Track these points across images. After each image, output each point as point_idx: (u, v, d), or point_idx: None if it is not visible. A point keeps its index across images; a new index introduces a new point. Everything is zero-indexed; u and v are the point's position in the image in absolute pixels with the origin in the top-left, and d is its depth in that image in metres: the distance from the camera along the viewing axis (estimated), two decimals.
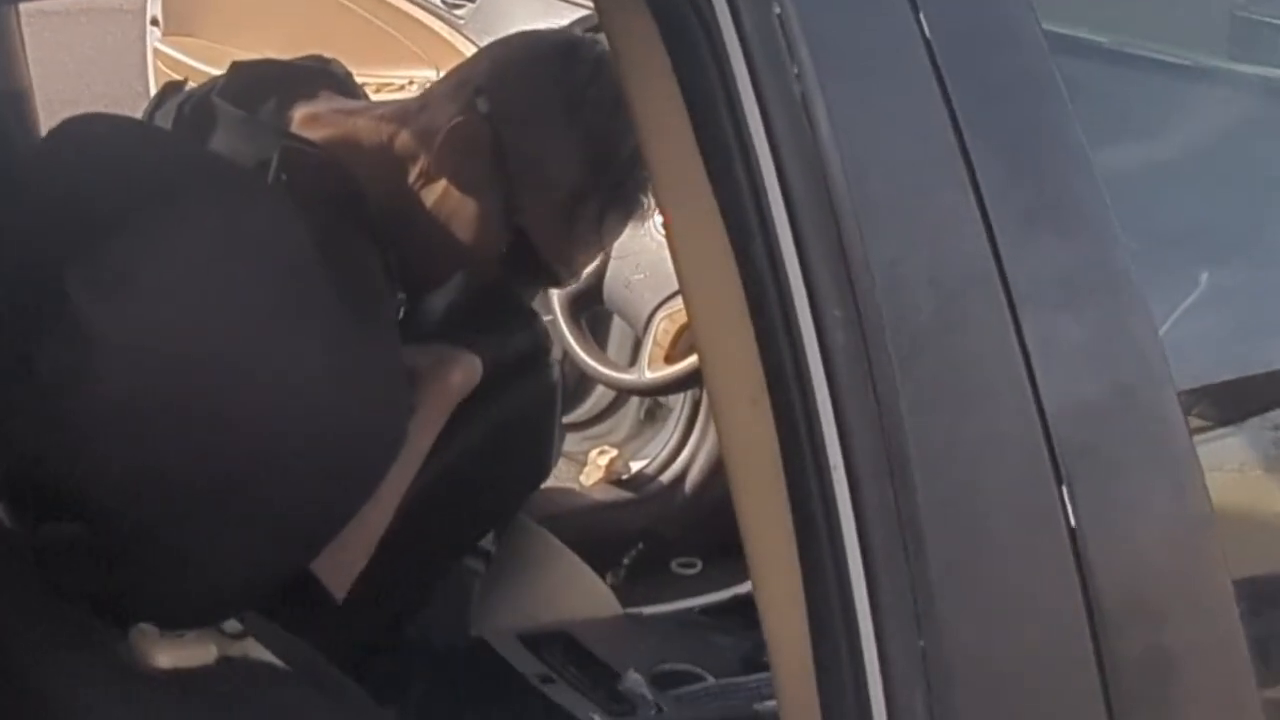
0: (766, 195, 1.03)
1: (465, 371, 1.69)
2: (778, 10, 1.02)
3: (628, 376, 2.38)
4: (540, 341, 1.95)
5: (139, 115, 1.72)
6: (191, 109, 1.64)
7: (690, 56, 1.05)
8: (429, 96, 1.65)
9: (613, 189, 1.61)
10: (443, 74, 1.74)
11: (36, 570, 1.20)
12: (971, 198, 1.03)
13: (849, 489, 1.02)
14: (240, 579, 1.21)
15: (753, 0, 1.02)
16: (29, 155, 1.37)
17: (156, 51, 3.49)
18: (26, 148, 1.49)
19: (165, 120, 1.67)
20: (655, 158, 1.12)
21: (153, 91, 1.90)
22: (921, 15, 1.04)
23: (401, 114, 1.63)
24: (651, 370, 2.36)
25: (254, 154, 1.49)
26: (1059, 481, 1.03)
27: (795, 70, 1.02)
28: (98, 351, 1.12)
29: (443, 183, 1.59)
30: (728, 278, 1.07)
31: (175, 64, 3.34)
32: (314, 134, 1.61)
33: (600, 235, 1.67)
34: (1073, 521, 1.03)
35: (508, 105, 1.58)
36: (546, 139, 1.59)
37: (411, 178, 1.60)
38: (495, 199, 1.59)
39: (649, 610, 2.43)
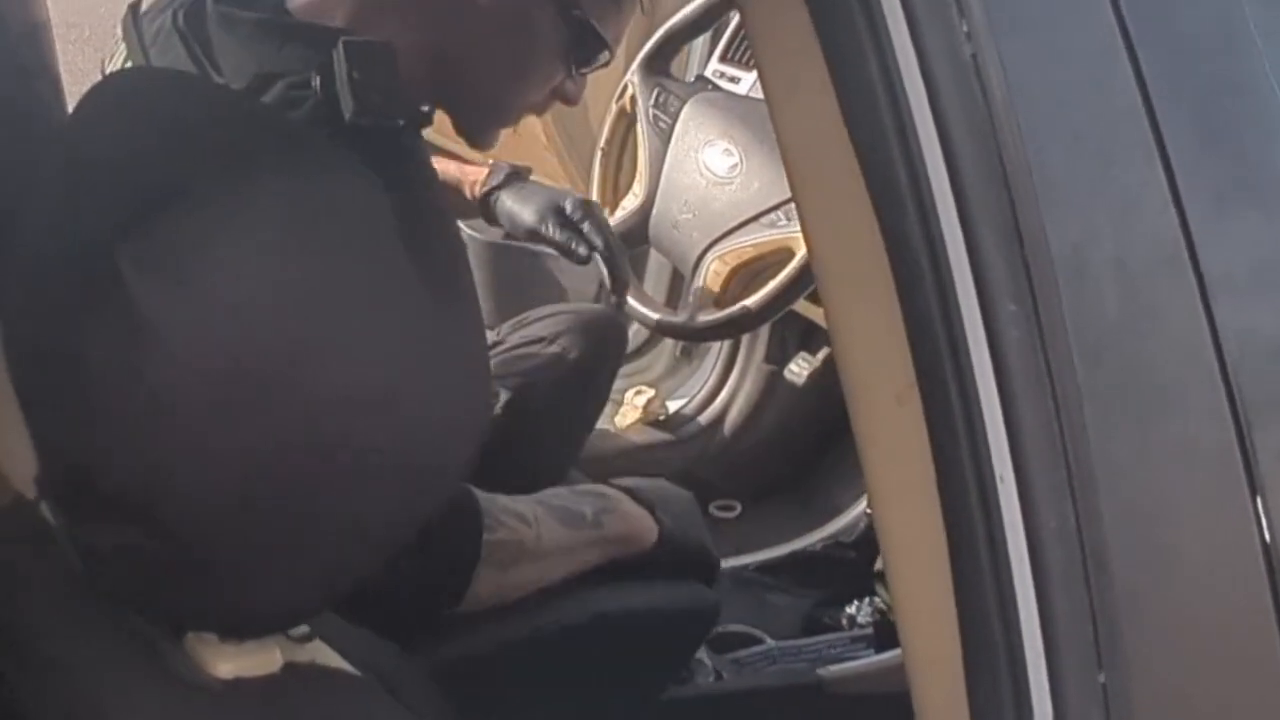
0: (927, 172, 0.90)
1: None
2: None
3: (677, 319, 2.26)
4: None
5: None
6: (188, 23, 1.50)
7: (841, 20, 0.92)
8: None
9: None
10: None
11: (85, 574, 1.08)
12: (1161, 172, 0.91)
13: (1020, 505, 0.89)
14: (313, 585, 1.10)
15: None
16: (66, 118, 1.23)
17: None
18: (60, 109, 1.34)
19: (160, 43, 1.54)
20: (793, 144, 0.99)
21: None
22: None
23: None
24: (703, 314, 2.23)
25: (305, 62, 1.36)
26: (1254, 493, 0.91)
27: (965, 28, 0.88)
28: (154, 339, 1.00)
29: (496, 13, 1.50)
30: (873, 261, 0.95)
31: None
32: (336, 18, 1.49)
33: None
34: (1267, 535, 0.92)
35: None
36: None
37: (457, 23, 1.50)
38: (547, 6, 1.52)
39: None
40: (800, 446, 2.86)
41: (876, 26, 0.90)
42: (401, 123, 1.37)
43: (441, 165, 2.03)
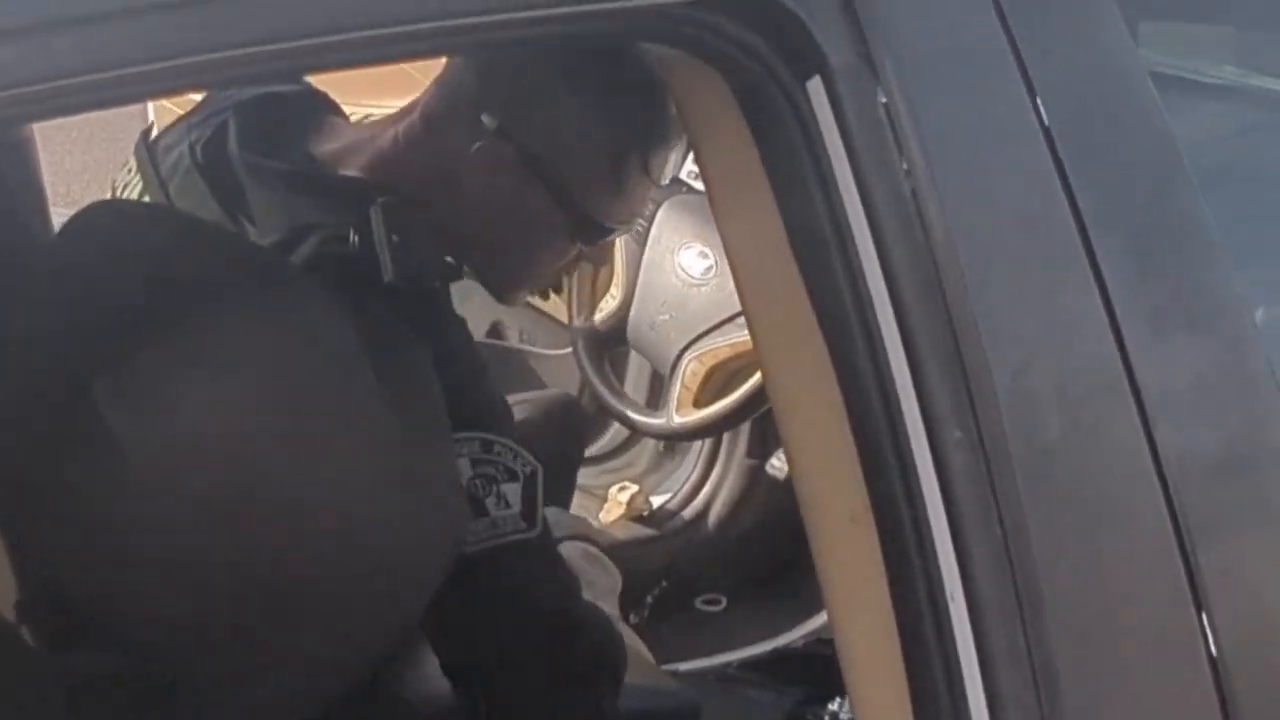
0: (873, 304, 0.94)
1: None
2: (884, 100, 0.92)
3: (656, 420, 2.29)
4: None
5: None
6: (209, 161, 1.54)
7: (785, 155, 0.96)
8: (429, 117, 1.54)
9: (647, 134, 1.53)
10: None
11: (67, 706, 1.10)
12: (1098, 298, 0.94)
13: (970, 623, 0.92)
14: (289, 706, 1.12)
15: (855, 89, 0.92)
16: (47, 247, 1.27)
17: None
18: (43, 237, 1.37)
19: (179, 180, 1.57)
20: (742, 265, 1.03)
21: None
22: (1039, 100, 0.94)
23: (413, 138, 1.54)
24: (680, 414, 2.26)
25: (339, 214, 1.40)
26: (1199, 608, 0.94)
27: (905, 166, 0.92)
28: (132, 465, 1.03)
29: (488, 202, 1.52)
30: (826, 391, 0.98)
31: None
32: (352, 167, 1.53)
33: (652, 179, 1.60)
34: (1214, 650, 0.94)
35: (512, 109, 1.49)
36: (563, 122, 1.50)
37: (456, 200, 1.52)
38: (541, 195, 1.52)
39: (685, 666, 2.34)
40: (783, 540, 2.87)
41: (821, 165, 0.94)
42: (437, 284, 1.43)
43: None
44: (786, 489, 2.76)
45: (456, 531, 1.20)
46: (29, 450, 1.09)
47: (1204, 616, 0.95)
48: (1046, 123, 0.94)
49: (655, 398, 2.86)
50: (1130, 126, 0.98)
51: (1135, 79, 0.98)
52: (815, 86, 0.93)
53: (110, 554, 1.05)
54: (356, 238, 1.36)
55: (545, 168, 1.50)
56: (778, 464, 2.81)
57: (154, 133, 1.66)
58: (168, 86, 0.94)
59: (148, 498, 1.03)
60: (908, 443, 0.94)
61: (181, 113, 1.68)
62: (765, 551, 2.89)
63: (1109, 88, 0.98)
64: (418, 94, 1.58)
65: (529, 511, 1.31)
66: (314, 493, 1.05)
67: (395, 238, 1.37)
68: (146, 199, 1.57)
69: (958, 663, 0.94)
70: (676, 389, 2.27)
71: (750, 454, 2.87)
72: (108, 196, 1.61)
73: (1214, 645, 0.95)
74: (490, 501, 1.28)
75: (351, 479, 1.07)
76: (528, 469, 1.32)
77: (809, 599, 2.71)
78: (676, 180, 2.62)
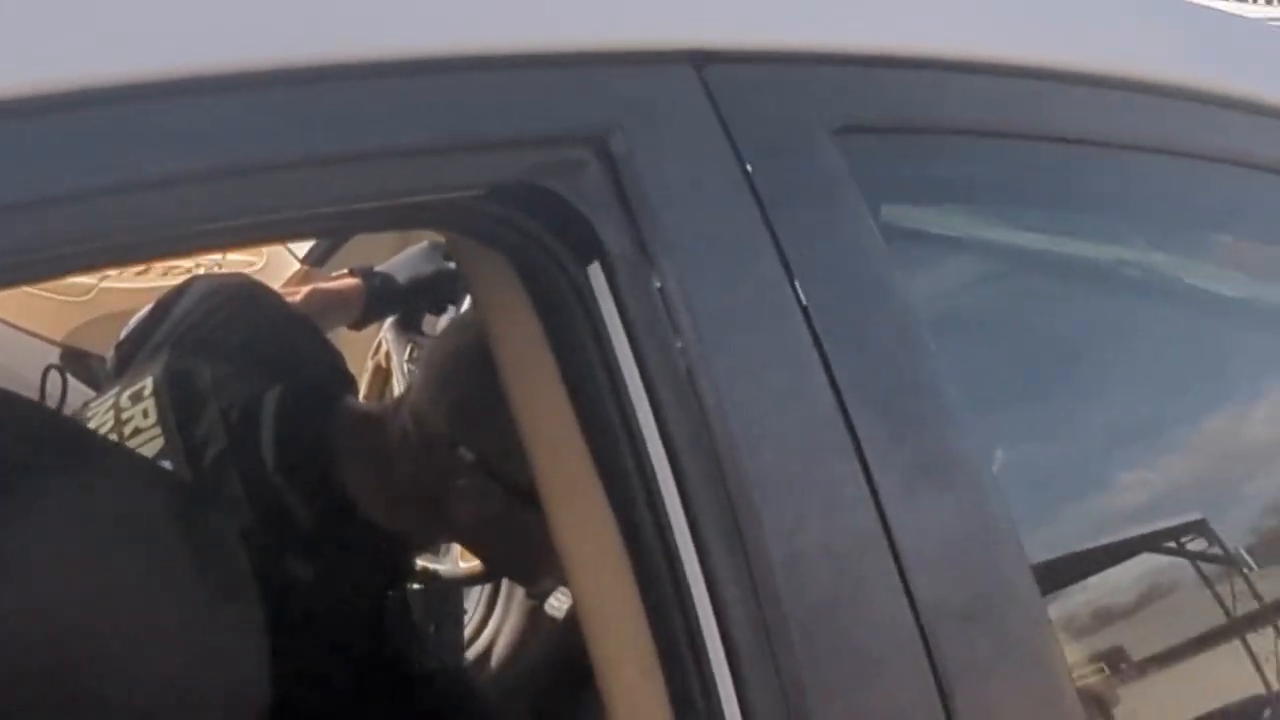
0: (654, 473, 1.00)
1: None
2: (658, 283, 1.00)
3: (441, 566, 2.32)
4: None
5: None
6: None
7: (568, 332, 1.03)
8: (408, 446, 1.60)
9: None
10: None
11: None
12: (856, 462, 1.02)
13: None
14: None
15: (631, 273, 1.00)
16: None
17: None
18: None
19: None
20: (531, 436, 1.09)
21: None
22: (796, 281, 1.03)
23: (398, 464, 1.61)
24: (465, 561, 2.30)
25: None
26: None
27: (679, 344, 1.00)
28: None
29: (481, 527, 1.60)
30: (614, 552, 1.05)
31: None
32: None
33: None
34: None
35: (489, 442, 1.53)
36: None
37: (452, 524, 1.61)
38: (529, 519, 1.56)
39: None
40: (567, 679, 2.91)
41: (602, 342, 1.01)
42: None
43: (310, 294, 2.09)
44: (566, 628, 2.81)
45: (261, 689, 1.23)
46: None
47: None
48: (804, 302, 1.03)
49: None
50: (873, 302, 1.07)
51: (877, 258, 1.08)
52: (595, 271, 1.01)
53: None
54: None
55: (531, 494, 1.55)
56: (556, 604, 2.86)
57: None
58: None
59: None
60: (691, 601, 1.00)
61: None
62: (549, 690, 2.92)
63: (854, 267, 1.07)
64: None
65: None
66: (118, 652, 1.08)
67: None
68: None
69: None
70: None
71: (529, 595, 2.91)
72: None
73: None
74: None
75: (163, 643, 1.09)
76: None
77: None
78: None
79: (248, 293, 1.88)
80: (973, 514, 1.07)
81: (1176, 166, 1.21)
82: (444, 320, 2.70)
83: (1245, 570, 1.27)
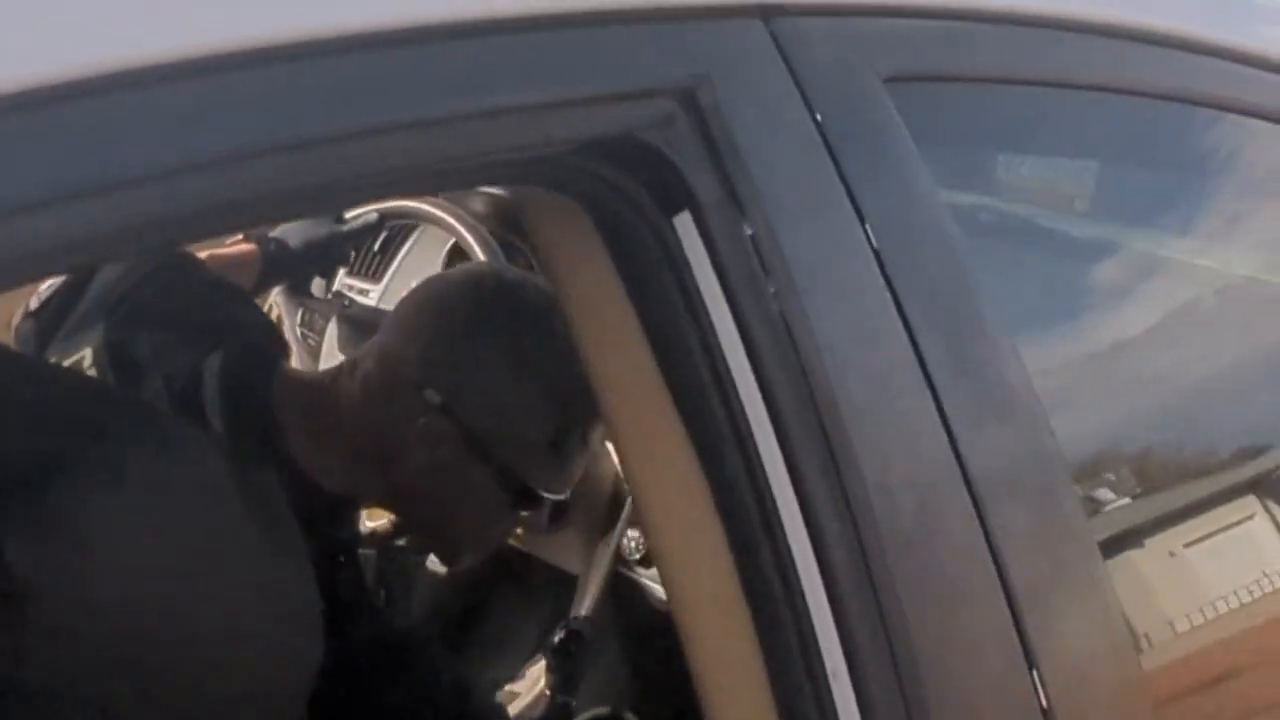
0: (746, 415, 1.03)
1: None
2: (749, 231, 1.02)
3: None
4: None
5: None
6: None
7: (651, 283, 1.05)
8: (370, 388, 1.59)
9: (582, 403, 1.59)
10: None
11: None
12: (930, 399, 1.07)
13: (854, 695, 1.03)
14: None
15: (723, 220, 1.02)
16: None
17: None
18: None
19: None
20: (607, 388, 1.11)
21: None
22: (867, 225, 1.07)
23: (355, 408, 1.60)
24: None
25: None
26: (1030, 667, 1.08)
27: (772, 289, 1.02)
28: (31, 601, 1.02)
29: (430, 474, 1.58)
30: (692, 489, 1.07)
31: None
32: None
33: (589, 449, 1.67)
34: (1044, 702, 1.08)
35: (455, 386, 1.55)
36: (508, 403, 1.57)
37: (399, 470, 1.58)
38: (482, 469, 1.58)
39: None
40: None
41: (688, 291, 1.04)
42: None
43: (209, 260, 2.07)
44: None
45: (315, 643, 1.24)
46: None
47: (1035, 674, 1.08)
48: (875, 245, 1.07)
49: None
50: (932, 245, 1.11)
51: (935, 209, 1.12)
52: (683, 221, 1.03)
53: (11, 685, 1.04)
54: None
55: (487, 444, 1.56)
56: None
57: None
58: None
59: (49, 628, 1.03)
60: (785, 539, 1.03)
61: None
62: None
63: (913, 212, 1.11)
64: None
65: None
66: (198, 614, 1.08)
67: None
68: None
69: None
70: None
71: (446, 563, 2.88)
72: None
73: (1044, 698, 1.08)
74: None
75: (231, 596, 1.10)
76: None
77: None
78: (337, 294, 2.66)
79: (174, 260, 1.85)
80: (1030, 444, 1.12)
81: (1195, 113, 1.28)
82: (339, 281, 2.68)
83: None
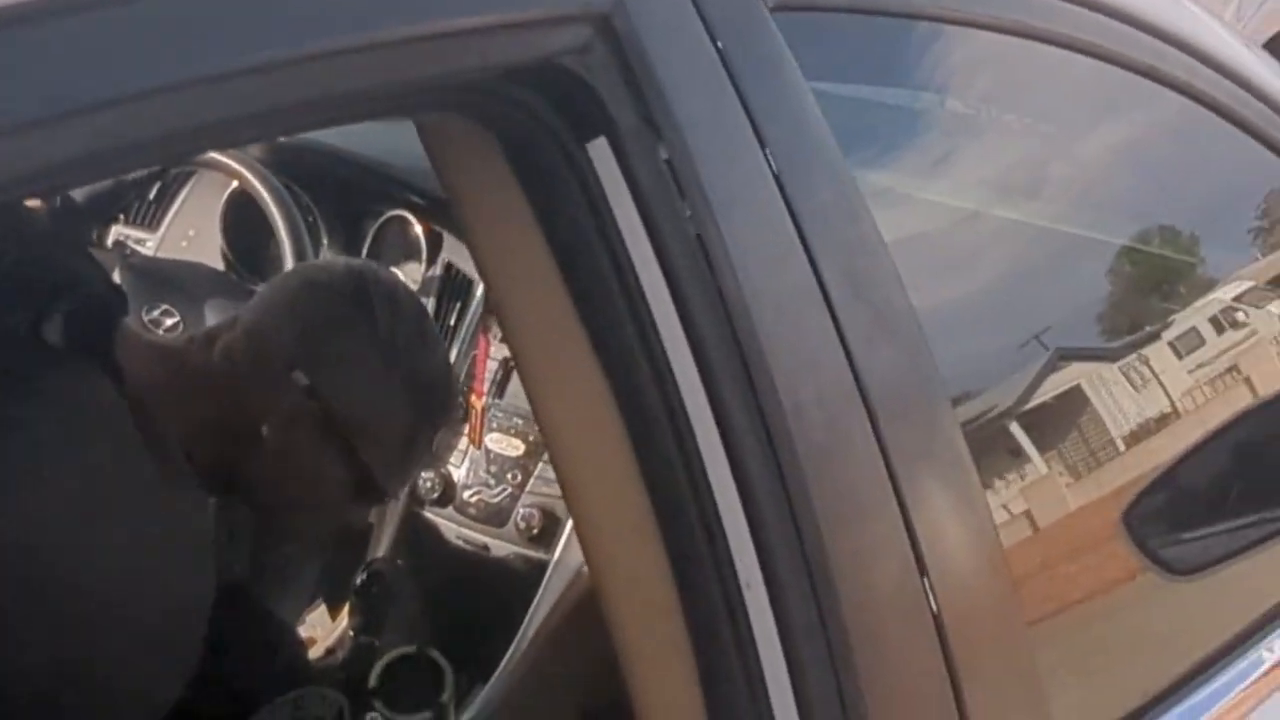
0: (660, 335, 1.05)
1: None
2: (665, 156, 1.04)
3: None
4: None
5: None
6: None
7: (563, 208, 1.06)
8: (235, 359, 1.55)
9: (439, 410, 1.63)
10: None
11: None
12: (830, 320, 1.10)
13: (770, 606, 1.06)
14: None
15: (641, 146, 1.04)
16: None
17: None
18: None
19: None
20: (511, 313, 1.12)
21: None
22: (768, 153, 1.10)
23: (216, 377, 1.56)
24: None
25: None
26: (922, 574, 1.13)
27: (688, 212, 1.05)
28: None
29: (280, 452, 1.56)
30: (602, 416, 1.09)
31: None
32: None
33: (437, 456, 1.73)
34: (934, 609, 1.13)
35: (325, 373, 1.54)
36: (371, 396, 1.57)
37: (250, 442, 1.55)
38: (333, 457, 1.57)
39: None
40: None
41: (601, 215, 1.05)
42: None
43: None
44: None
45: (208, 582, 1.22)
46: None
47: (925, 581, 1.13)
48: (775, 170, 1.10)
49: None
50: (823, 171, 1.15)
51: (825, 136, 1.16)
52: (599, 147, 1.04)
53: None
54: None
55: (346, 434, 1.55)
56: None
57: None
58: None
59: None
60: (698, 456, 1.06)
61: None
62: None
63: (805, 138, 1.15)
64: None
65: None
66: (105, 543, 1.06)
67: None
68: None
69: (754, 645, 1.07)
70: None
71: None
72: None
73: (934, 603, 1.14)
74: None
75: (130, 527, 1.08)
76: (334, 711, 1.35)
77: None
78: (118, 244, 2.57)
79: (8, 214, 1.75)
80: (914, 363, 1.17)
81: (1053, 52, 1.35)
82: (112, 232, 2.59)
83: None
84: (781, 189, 1.10)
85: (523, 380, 1.15)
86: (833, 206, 1.14)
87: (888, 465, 1.12)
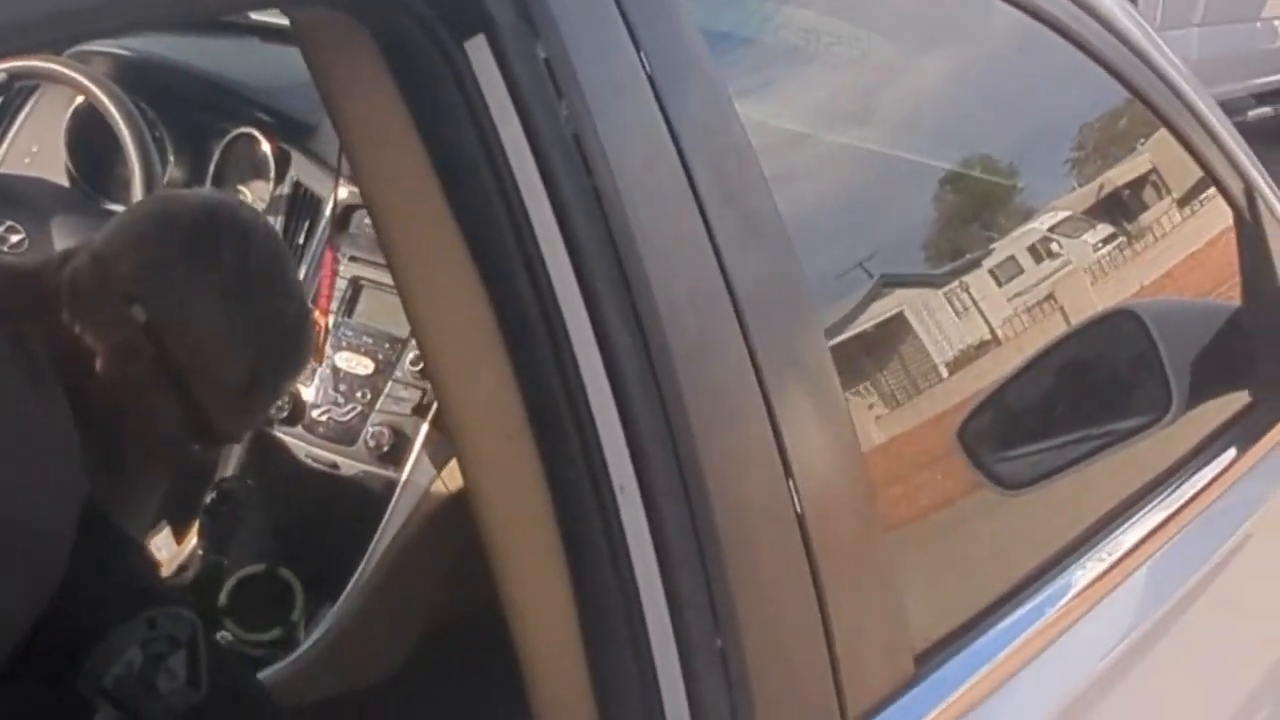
0: (534, 233, 1.05)
1: None
2: (543, 55, 1.04)
3: None
4: None
5: None
6: None
7: (440, 109, 1.05)
8: (78, 288, 1.48)
9: (284, 358, 1.60)
10: None
11: None
12: (700, 220, 1.11)
13: (643, 510, 1.07)
14: None
15: (519, 43, 1.03)
16: None
17: None
18: None
19: None
20: (384, 212, 1.10)
21: None
22: (642, 54, 1.10)
23: (55, 303, 1.49)
24: None
25: None
26: (787, 475, 1.15)
27: (565, 112, 1.04)
28: None
29: (115, 386, 1.49)
30: (476, 317, 1.09)
31: None
32: None
33: (277, 395, 1.70)
34: (799, 509, 1.15)
35: (165, 310, 1.48)
36: (211, 335, 1.51)
37: (84, 373, 1.48)
38: (169, 396, 1.51)
39: None
40: None
41: (478, 116, 1.04)
42: None
43: None
44: None
45: (79, 483, 1.19)
46: None
47: (790, 482, 1.15)
48: (650, 71, 1.10)
49: None
50: (694, 74, 1.16)
51: (695, 39, 1.16)
52: (477, 45, 1.03)
53: None
54: None
55: (181, 375, 1.49)
56: None
57: None
58: None
59: None
60: (572, 355, 1.06)
61: None
62: None
63: (681, 46, 1.15)
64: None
65: (194, 676, 1.29)
66: None
67: None
68: None
69: (626, 549, 1.08)
70: None
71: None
72: None
73: (798, 505, 1.16)
74: (161, 680, 1.25)
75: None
76: (188, 630, 1.30)
77: None
78: None
79: None
80: (781, 267, 1.19)
81: None
82: None
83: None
84: (656, 91, 1.10)
85: (396, 282, 1.14)
86: (705, 110, 1.15)
87: (755, 368, 1.13)
